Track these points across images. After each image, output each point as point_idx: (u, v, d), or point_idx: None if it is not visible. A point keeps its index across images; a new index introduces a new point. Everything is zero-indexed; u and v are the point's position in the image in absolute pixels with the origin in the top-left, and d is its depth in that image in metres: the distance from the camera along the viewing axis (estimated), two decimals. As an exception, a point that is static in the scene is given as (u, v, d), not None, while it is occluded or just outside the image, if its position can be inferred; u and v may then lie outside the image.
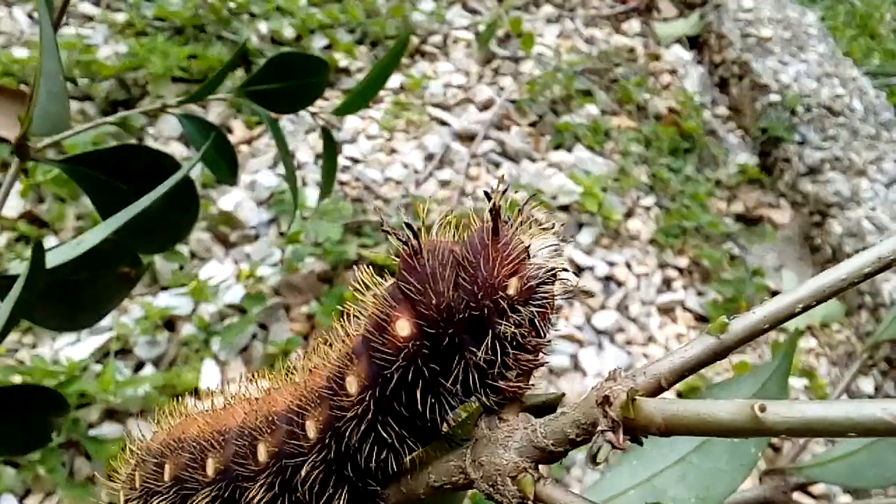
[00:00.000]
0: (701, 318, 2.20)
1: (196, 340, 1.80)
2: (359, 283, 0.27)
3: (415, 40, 2.68)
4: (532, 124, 2.53)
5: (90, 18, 2.43)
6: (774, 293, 2.31)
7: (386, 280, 0.27)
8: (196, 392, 1.51)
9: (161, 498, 0.31)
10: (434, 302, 0.24)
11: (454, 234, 0.27)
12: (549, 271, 0.25)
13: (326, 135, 0.98)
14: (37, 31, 2.31)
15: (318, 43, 2.54)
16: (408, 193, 2.20)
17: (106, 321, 1.77)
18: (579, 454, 1.83)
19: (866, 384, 2.19)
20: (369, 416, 0.25)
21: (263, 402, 0.29)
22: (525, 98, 2.57)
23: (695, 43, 3.07)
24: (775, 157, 2.67)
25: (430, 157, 2.31)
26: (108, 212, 0.62)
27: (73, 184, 1.96)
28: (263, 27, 2.50)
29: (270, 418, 0.28)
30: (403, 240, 0.26)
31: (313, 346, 0.29)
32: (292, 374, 0.29)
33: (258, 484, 0.28)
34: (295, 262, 1.95)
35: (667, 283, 2.25)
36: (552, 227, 0.26)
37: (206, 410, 0.33)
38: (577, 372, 2.04)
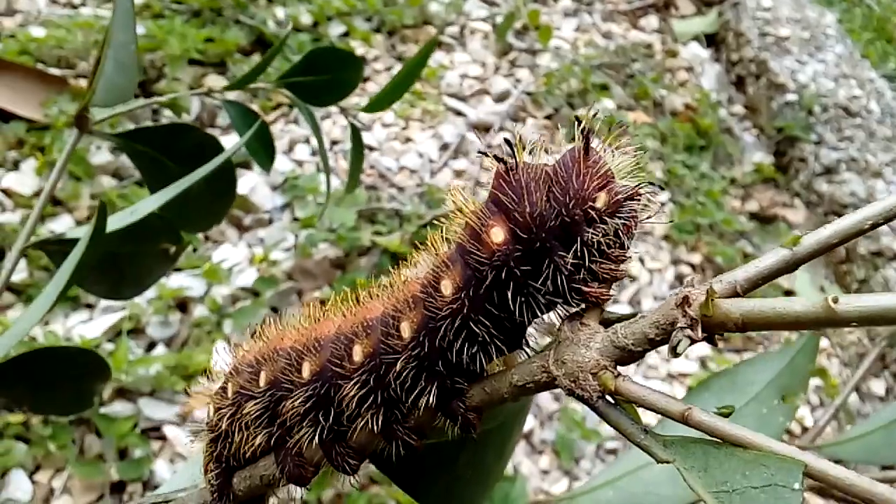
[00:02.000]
0: (713, 315, 2.19)
1: (208, 322, 1.80)
2: (452, 201, 0.29)
3: (431, 30, 2.67)
4: (548, 117, 2.52)
5: (108, 0, 2.42)
6: (787, 292, 2.30)
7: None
8: (207, 373, 1.49)
9: (255, 402, 0.33)
10: (528, 210, 0.26)
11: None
12: (633, 188, 0.27)
13: (355, 132, 0.99)
14: (54, 10, 2.31)
15: (335, 30, 2.53)
16: (422, 182, 2.19)
17: (119, 301, 1.77)
18: (589, 446, 1.83)
19: (878, 386, 2.18)
20: (463, 313, 0.27)
21: (358, 311, 0.31)
22: (541, 91, 2.56)
23: (712, 40, 3.06)
24: (791, 157, 2.66)
25: (445, 147, 2.30)
26: (157, 187, 0.65)
27: (88, 162, 1.96)
28: (281, 13, 2.49)
29: (366, 323, 0.30)
30: (499, 156, 0.27)
31: (404, 265, 0.31)
32: (382, 289, 0.31)
33: (352, 382, 0.30)
34: (308, 248, 1.94)
35: (679, 279, 2.24)
36: (635, 152, 0.28)
37: (300, 325, 0.34)
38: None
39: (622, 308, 2.10)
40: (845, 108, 2.69)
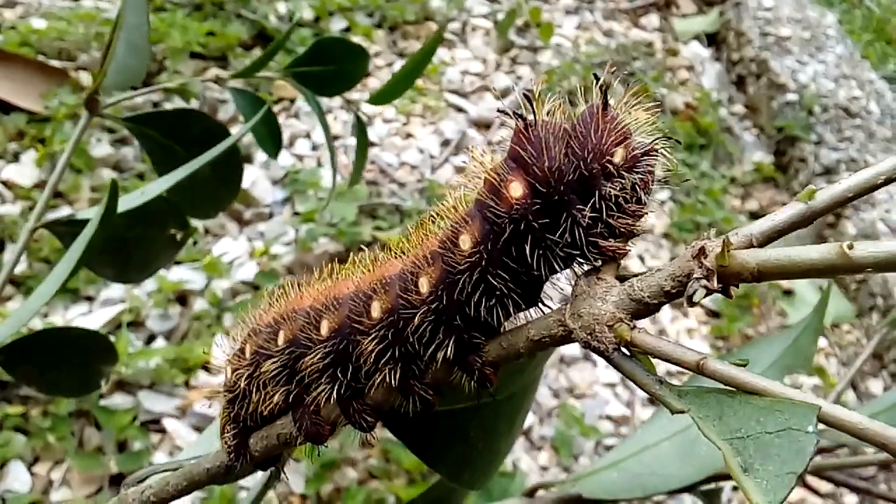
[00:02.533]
0: (712, 314, 2.20)
1: (208, 315, 1.80)
2: (471, 157, 0.29)
3: (433, 26, 2.67)
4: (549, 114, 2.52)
5: (109, -8, 2.42)
6: (786, 291, 2.30)
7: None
8: (206, 367, 1.50)
9: (273, 360, 0.33)
10: (546, 165, 0.27)
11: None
12: (650, 144, 0.27)
13: (360, 124, 0.99)
14: (55, 2, 2.30)
15: (336, 25, 2.53)
16: (423, 178, 2.19)
17: (118, 292, 1.77)
18: (588, 443, 1.83)
19: (876, 386, 2.19)
20: (481, 267, 0.27)
21: (376, 269, 0.32)
22: (542, 88, 2.56)
23: (713, 40, 3.06)
24: (791, 157, 2.66)
25: (446, 143, 2.30)
26: (164, 172, 0.66)
27: (88, 155, 1.96)
28: (282, 7, 2.49)
29: (385, 280, 0.30)
30: (518, 114, 0.28)
31: (421, 222, 0.31)
32: (399, 248, 0.32)
33: (370, 337, 0.30)
34: (309, 242, 1.94)
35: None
36: (651, 110, 0.28)
37: (318, 285, 0.35)
38: (587, 361, 2.03)
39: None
40: (845, 109, 2.70)
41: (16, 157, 1.92)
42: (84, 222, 0.52)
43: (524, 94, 0.28)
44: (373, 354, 0.30)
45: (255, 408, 0.36)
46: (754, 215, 2.49)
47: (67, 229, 0.57)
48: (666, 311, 2.17)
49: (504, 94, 2.50)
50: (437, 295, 0.29)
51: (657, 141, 0.28)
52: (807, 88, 2.73)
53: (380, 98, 0.97)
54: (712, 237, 0.25)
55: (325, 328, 0.32)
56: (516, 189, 0.27)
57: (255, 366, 0.35)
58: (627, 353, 0.26)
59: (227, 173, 0.62)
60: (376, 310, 0.30)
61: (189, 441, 1.62)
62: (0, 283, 0.57)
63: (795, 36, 2.93)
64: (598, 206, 0.27)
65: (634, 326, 0.26)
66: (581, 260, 0.28)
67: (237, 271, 1.88)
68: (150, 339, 1.74)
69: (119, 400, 1.61)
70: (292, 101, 2.28)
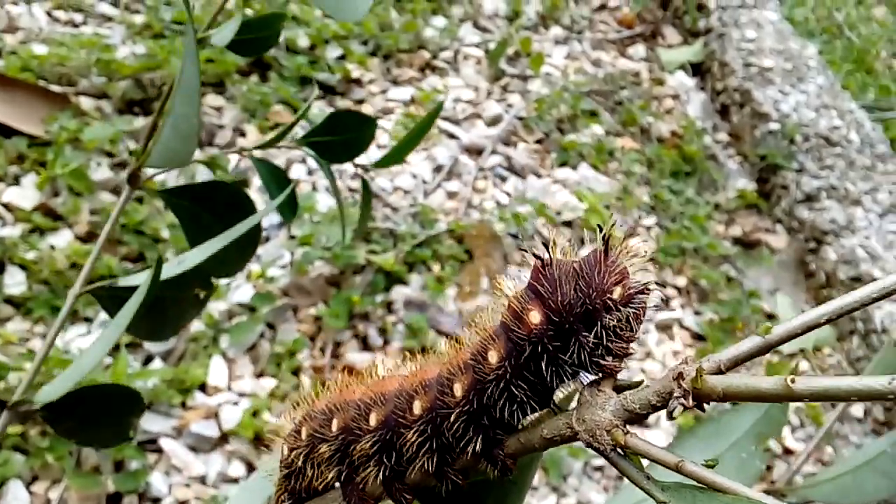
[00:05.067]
0: (697, 337, 2.25)
1: (205, 337, 1.83)
2: (496, 288, 0.36)
3: (426, 55, 2.73)
4: (538, 141, 2.58)
5: (109, 19, 2.47)
6: (769, 316, 2.36)
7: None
8: (203, 387, 1.52)
9: (329, 444, 0.40)
10: (560, 299, 0.33)
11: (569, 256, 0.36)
12: (643, 285, 0.34)
13: (365, 186, 1.06)
14: (56, 28, 2.35)
15: (331, 53, 2.59)
16: (416, 202, 2.24)
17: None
18: (577, 463, 1.87)
19: (856, 409, 2.24)
20: (505, 378, 0.34)
21: (415, 373, 0.39)
22: (532, 116, 2.62)
23: (698, 70, 3.14)
24: (773, 184, 2.73)
25: (438, 169, 2.35)
26: (194, 236, 0.75)
27: (88, 179, 1.99)
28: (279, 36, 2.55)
29: (424, 383, 0.37)
30: (537, 254, 0.35)
31: (455, 338, 0.39)
32: (438, 355, 0.39)
33: (412, 430, 0.37)
34: (304, 265, 1.98)
35: (665, 302, 2.30)
36: (644, 255, 0.35)
37: (365, 381, 0.41)
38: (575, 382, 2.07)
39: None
40: (826, 138, 2.78)
41: (16, 181, 1.95)
42: (124, 289, 0.59)
43: (542, 242, 0.35)
44: (414, 445, 0.37)
45: (308, 482, 0.42)
46: (738, 241, 2.55)
47: (108, 293, 0.63)
48: (653, 334, 2.22)
49: (495, 121, 2.56)
50: (469, 399, 0.36)
51: (648, 282, 0.35)
52: (789, 118, 2.81)
53: (384, 162, 1.04)
54: (689, 362, 0.32)
55: (373, 420, 0.38)
56: (535, 317, 0.33)
57: (311, 447, 0.41)
58: (622, 452, 0.33)
59: (247, 238, 0.68)
60: (417, 408, 0.37)
61: (185, 461, 1.64)
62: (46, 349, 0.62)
63: (778, 67, 3.01)
64: (599, 333, 0.33)
65: (628, 432, 0.33)
66: (585, 374, 0.35)
67: (234, 293, 1.91)
68: (148, 359, 1.77)
69: (117, 420, 1.64)
70: (291, 126, 2.33)
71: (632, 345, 0.34)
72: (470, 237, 2.20)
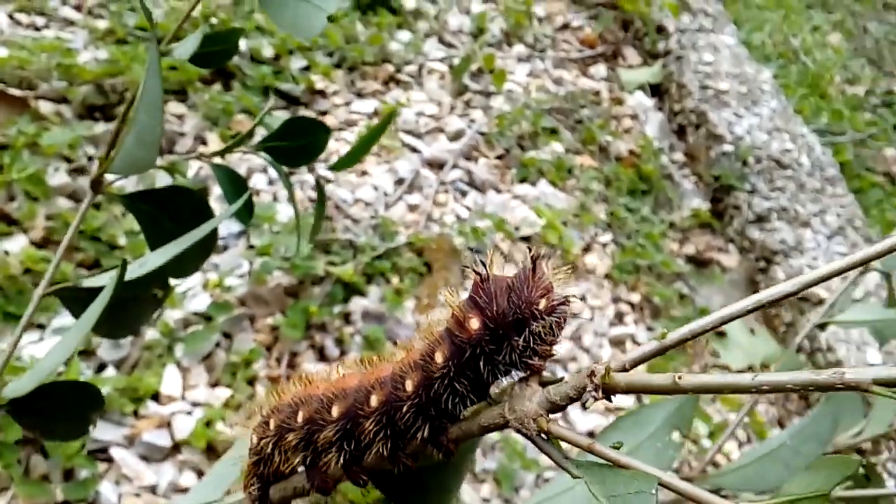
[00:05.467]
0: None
1: (159, 345, 1.83)
2: (445, 298, 0.42)
3: (390, 68, 2.76)
4: (499, 157, 2.62)
5: (72, 23, 2.46)
6: (719, 333, 2.42)
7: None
8: (157, 396, 1.52)
9: (295, 433, 0.45)
10: (495, 309, 0.39)
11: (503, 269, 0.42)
12: (564, 297, 0.40)
13: (319, 188, 1.08)
14: (17, 31, 2.33)
15: (296, 64, 2.60)
16: (377, 215, 2.26)
17: (69, 321, 1.78)
18: (529, 476, 1.89)
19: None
20: (450, 376, 0.41)
21: (372, 372, 0.44)
22: (494, 131, 2.67)
23: (656, 91, 3.22)
24: (726, 204, 2.81)
25: (400, 182, 2.38)
26: (155, 240, 0.77)
27: (46, 184, 1.98)
28: (243, 45, 2.55)
29: (380, 380, 0.43)
30: (477, 271, 0.40)
31: (405, 341, 0.44)
32: (390, 357, 0.45)
33: (370, 420, 0.43)
34: (263, 275, 1.99)
35: (619, 317, 2.34)
36: (566, 272, 0.40)
37: (325, 378, 0.47)
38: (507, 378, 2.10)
39: (563, 345, 2.19)
40: (777, 161, 2.86)
41: (-29, 184, 1.93)
42: (88, 290, 0.63)
43: (481, 261, 0.41)
44: (371, 433, 0.43)
45: (276, 468, 0.47)
46: (691, 259, 2.62)
47: (72, 294, 0.67)
48: (606, 349, 2.26)
49: (457, 136, 2.60)
50: (419, 393, 0.41)
51: (569, 296, 0.40)
52: (742, 140, 2.89)
53: (339, 165, 1.06)
54: (601, 363, 0.38)
55: (335, 412, 0.44)
56: (474, 324, 0.39)
57: (279, 436, 0.46)
58: (545, 437, 0.38)
59: (204, 241, 0.71)
60: (374, 401, 0.43)
61: (136, 471, 1.64)
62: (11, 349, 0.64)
63: (733, 90, 3.10)
64: (527, 338, 0.39)
65: (549, 420, 0.39)
66: (516, 372, 0.41)
67: (190, 302, 1.91)
68: (101, 367, 1.76)
69: (67, 428, 1.63)
70: (251, 134, 2.33)
71: (554, 347, 0.40)
72: (429, 250, 2.22)
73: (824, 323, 1.14)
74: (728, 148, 2.88)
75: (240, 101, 2.38)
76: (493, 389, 0.42)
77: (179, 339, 1.85)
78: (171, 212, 0.79)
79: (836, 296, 1.24)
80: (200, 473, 1.69)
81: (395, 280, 2.14)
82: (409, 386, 0.42)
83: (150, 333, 1.84)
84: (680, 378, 0.35)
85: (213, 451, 1.72)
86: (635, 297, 2.40)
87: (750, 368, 2.39)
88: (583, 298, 2.33)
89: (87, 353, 1.78)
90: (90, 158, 2.11)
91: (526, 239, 2.39)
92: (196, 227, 0.72)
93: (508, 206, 2.44)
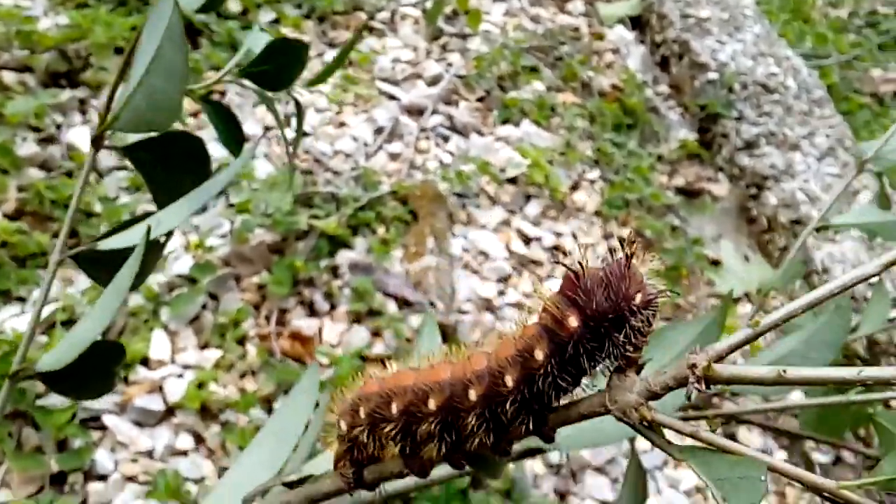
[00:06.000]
0: (644, 286, 2.27)
1: (144, 311, 1.79)
2: (538, 294, 0.42)
3: (362, 16, 2.68)
4: (480, 99, 2.56)
5: (28, -11, 2.37)
6: (714, 262, 2.40)
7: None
8: (146, 362, 1.49)
9: (391, 424, 0.45)
10: (594, 307, 0.39)
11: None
12: (659, 290, 0.40)
13: (297, 105, 1.08)
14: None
15: (264, 17, 2.53)
16: (358, 166, 2.21)
17: (52, 291, 1.74)
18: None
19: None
20: (551, 373, 0.41)
21: (461, 364, 0.44)
22: (473, 74, 2.60)
23: (637, 23, 3.14)
24: (714, 133, 2.76)
25: (379, 131, 2.32)
26: (160, 193, 0.77)
27: (14, 154, 1.92)
28: None
29: (476, 373, 0.43)
30: (571, 267, 0.40)
31: (492, 335, 0.44)
32: (479, 349, 0.44)
33: (471, 414, 0.43)
34: (245, 233, 1.94)
35: (612, 252, 2.31)
36: (656, 260, 0.41)
37: (412, 369, 0.46)
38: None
39: (556, 284, 2.17)
40: (763, 85, 2.81)
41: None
42: (106, 252, 0.63)
43: (578, 262, 0.41)
44: (473, 426, 0.44)
45: (370, 453, 0.48)
46: (681, 191, 2.58)
47: (91, 256, 0.67)
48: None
49: (435, 81, 2.53)
50: (520, 389, 0.42)
51: (663, 289, 0.41)
52: (726, 67, 2.83)
53: (314, 82, 1.06)
54: (698, 352, 0.38)
55: (432, 404, 0.44)
56: (573, 322, 0.39)
57: (373, 425, 0.46)
58: (647, 424, 0.40)
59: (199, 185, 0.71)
60: (473, 395, 0.43)
61: (130, 436, 1.61)
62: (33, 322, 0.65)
63: (714, 17, 3.03)
64: (627, 333, 0.39)
65: (651, 408, 0.40)
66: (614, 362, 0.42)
67: (173, 265, 1.87)
68: (87, 336, 1.73)
69: (56, 399, 1.60)
70: (223, 93, 2.27)
71: (648, 338, 0.41)
72: (414, 198, 2.18)
73: (820, 227, 1.11)
74: (713, 76, 2.82)
75: (209, 58, 2.31)
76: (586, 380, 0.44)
77: (165, 303, 1.81)
78: (173, 160, 0.78)
79: (832, 200, 1.21)
80: (197, 436, 1.67)
81: (380, 230, 2.10)
82: (509, 382, 0.42)
83: (135, 299, 1.81)
84: (785, 371, 0.36)
85: (207, 413, 1.70)
86: (626, 232, 2.36)
87: (747, 296, 2.38)
88: (574, 236, 2.30)
89: (71, 322, 1.74)
90: (58, 126, 2.05)
91: (512, 181, 2.35)
92: (199, 174, 0.74)
93: (492, 148, 2.39)
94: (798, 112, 2.77)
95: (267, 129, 2.20)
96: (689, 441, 0.39)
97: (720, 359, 0.38)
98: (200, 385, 1.71)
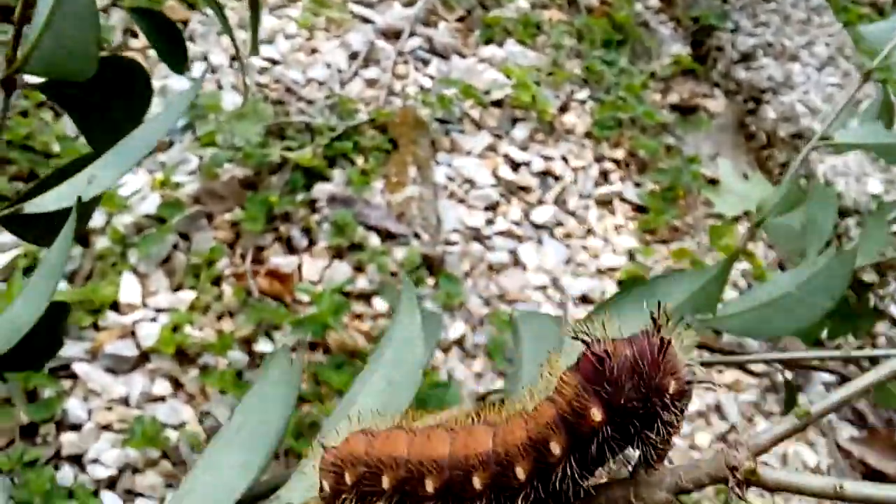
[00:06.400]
0: (638, 209, 2.18)
1: (112, 253, 1.70)
2: (551, 368, 0.36)
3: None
4: (460, 19, 2.42)
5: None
6: (711, 181, 2.30)
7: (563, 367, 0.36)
8: (116, 306, 1.39)
9: (384, 499, 0.39)
10: (622, 400, 0.34)
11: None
12: (693, 376, 0.35)
13: None
14: None
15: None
16: (332, 93, 2.09)
17: (12, 237, 1.65)
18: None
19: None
20: (569, 468, 0.35)
21: (463, 438, 0.37)
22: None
23: (625, -66, 2.97)
24: (708, 46, 2.62)
25: (354, 56, 2.19)
26: (93, 132, 0.69)
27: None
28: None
29: (481, 457, 0.37)
30: (592, 347, 0.34)
31: (495, 408, 0.39)
32: (482, 421, 0.38)
33: (475, 502, 0.37)
34: (214, 168, 1.83)
35: (604, 176, 2.21)
36: (691, 339, 0.35)
37: (405, 433, 0.39)
38: (517, 267, 2.00)
39: (547, 210, 2.07)
40: (759, -6, 2.66)
41: None
42: (34, 216, 0.57)
43: (595, 339, 0.35)
44: None
45: None
46: (675, 107, 2.46)
47: (18, 220, 0.61)
48: (593, 210, 2.14)
49: (411, 1, 2.39)
50: (532, 483, 0.36)
51: (699, 373, 0.35)
52: (720, -25, 2.68)
53: None
54: (738, 447, 0.34)
55: (430, 487, 0.38)
56: (597, 416, 0.34)
57: (360, 495, 0.40)
58: None
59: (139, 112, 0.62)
60: (477, 483, 0.37)
61: (103, 384, 1.53)
62: None
63: (707, -77, 2.86)
64: (659, 430, 0.34)
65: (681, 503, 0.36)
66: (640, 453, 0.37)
67: (139, 205, 1.77)
68: (51, 283, 1.64)
69: (21, 348, 1.51)
70: (185, 23, 2.14)
71: (680, 427, 0.36)
72: (393, 125, 2.06)
73: (819, 146, 1.02)
74: (706, -14, 2.67)
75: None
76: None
77: (133, 245, 1.71)
78: (108, 93, 0.69)
79: (835, 113, 1.11)
80: (174, 381, 1.60)
81: (359, 160, 1.99)
82: (520, 474, 0.36)
83: (101, 242, 1.71)
84: (842, 487, 0.32)
85: (184, 357, 1.62)
86: (619, 154, 2.25)
87: (746, 214, 2.28)
88: (564, 160, 2.19)
89: (34, 269, 1.64)
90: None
91: (497, 104, 2.23)
92: (138, 103, 0.68)
93: (475, 70, 2.26)
94: (796, 21, 2.63)
95: (233, 58, 2.07)
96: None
97: (762, 452, 0.35)
98: (175, 328, 1.62)
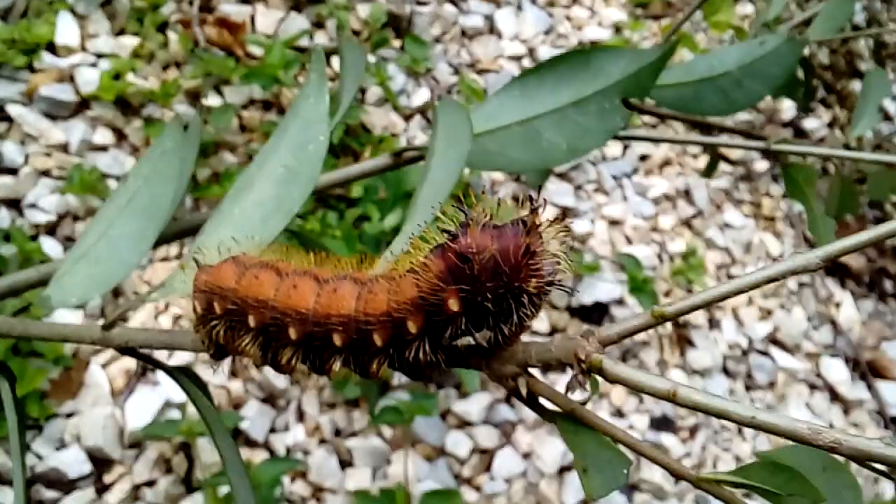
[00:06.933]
0: (633, -22, 1.99)
1: (48, -9, 1.56)
2: (415, 245, 0.36)
3: None
4: None
5: None
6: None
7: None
8: (52, 48, 1.25)
9: (248, 334, 0.40)
10: (479, 292, 0.34)
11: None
12: (558, 270, 0.34)
13: None
14: None
15: None
16: None
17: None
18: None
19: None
20: (422, 345, 0.37)
21: (328, 297, 0.38)
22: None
23: None
24: None
25: None
26: None
27: None
28: None
29: (341, 316, 0.37)
30: (451, 231, 0.33)
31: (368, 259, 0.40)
32: (346, 276, 0.38)
33: (335, 354, 0.39)
34: None
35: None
36: (562, 230, 0.34)
37: (271, 277, 0.39)
38: (492, 35, 1.86)
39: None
40: None
41: None
42: None
43: (459, 208, 0.34)
44: (336, 363, 0.39)
45: (228, 344, 0.42)
46: None
47: None
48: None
49: None
50: (387, 351, 0.38)
51: (564, 269, 0.34)
52: None
53: None
54: (589, 339, 0.36)
55: (293, 334, 0.38)
56: (454, 306, 0.34)
57: (228, 325, 0.40)
58: (524, 392, 0.39)
59: None
60: (338, 341, 0.38)
61: (39, 129, 1.46)
62: None
63: None
64: (513, 322, 0.35)
65: (528, 377, 0.38)
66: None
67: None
68: (-20, 17, 1.52)
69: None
70: None
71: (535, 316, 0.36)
72: None
73: None
74: None
75: None
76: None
77: (69, -19, 1.57)
78: None
79: None
80: (116, 130, 1.53)
81: None
82: (377, 341, 0.37)
83: (34, -22, 1.56)
84: (675, 395, 0.33)
85: (127, 106, 1.54)
86: None
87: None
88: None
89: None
90: None
91: None
92: None
93: None
94: None
95: None
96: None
97: (610, 343, 0.36)
98: (117, 76, 1.53)
